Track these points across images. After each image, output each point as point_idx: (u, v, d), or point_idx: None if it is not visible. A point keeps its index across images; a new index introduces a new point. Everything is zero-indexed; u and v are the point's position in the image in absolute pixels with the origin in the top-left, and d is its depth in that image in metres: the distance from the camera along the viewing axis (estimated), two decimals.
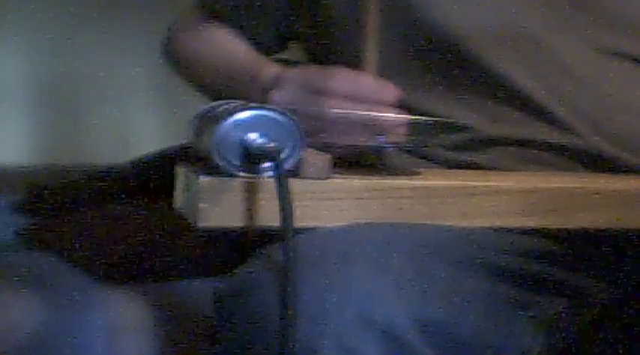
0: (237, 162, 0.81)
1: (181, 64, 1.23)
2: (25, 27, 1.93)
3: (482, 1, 1.05)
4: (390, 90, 0.95)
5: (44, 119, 1.96)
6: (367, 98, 0.94)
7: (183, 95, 1.25)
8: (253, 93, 1.02)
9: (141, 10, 1.90)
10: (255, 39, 1.18)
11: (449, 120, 1.02)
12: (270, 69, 1.05)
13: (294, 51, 1.23)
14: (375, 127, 0.94)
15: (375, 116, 0.94)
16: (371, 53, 0.97)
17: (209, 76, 1.17)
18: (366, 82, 0.95)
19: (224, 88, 1.12)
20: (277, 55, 1.20)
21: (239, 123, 0.81)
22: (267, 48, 1.17)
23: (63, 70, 1.95)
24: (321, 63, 1.11)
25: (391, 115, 0.94)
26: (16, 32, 1.92)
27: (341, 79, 0.95)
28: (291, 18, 1.17)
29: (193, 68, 1.21)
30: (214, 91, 1.15)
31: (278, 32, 1.19)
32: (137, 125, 1.98)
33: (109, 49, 1.93)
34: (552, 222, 0.89)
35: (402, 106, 0.96)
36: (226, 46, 1.18)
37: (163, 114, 1.97)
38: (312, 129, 0.92)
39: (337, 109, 0.94)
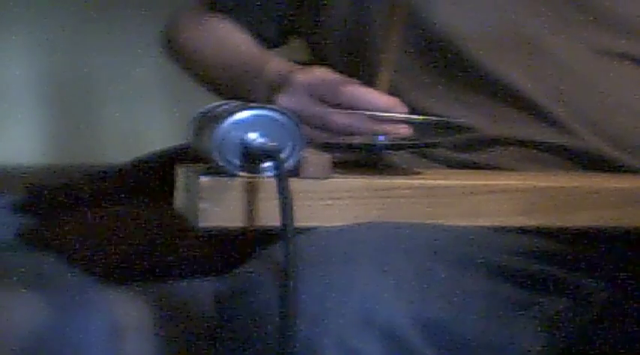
0: (237, 162, 0.81)
1: (184, 58, 1.23)
2: (26, 26, 1.92)
3: (482, 2, 1.05)
4: (398, 109, 0.95)
5: (45, 119, 1.96)
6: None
7: (185, 95, 1.25)
8: (257, 89, 1.02)
9: (142, 10, 1.90)
10: (256, 33, 1.18)
11: (449, 120, 1.02)
12: (274, 64, 1.04)
13: (296, 49, 1.23)
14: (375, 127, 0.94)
15: (376, 115, 0.94)
16: (387, 60, 0.97)
17: (212, 69, 1.16)
18: (375, 99, 0.95)
19: (228, 82, 1.12)
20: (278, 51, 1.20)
21: (239, 123, 0.81)
22: (269, 42, 1.17)
23: (64, 70, 1.95)
24: (321, 59, 1.11)
25: (391, 115, 0.94)
26: (16, 32, 1.92)
27: (351, 94, 0.95)
28: (292, 13, 1.17)
29: (196, 62, 1.20)
30: (218, 85, 1.15)
31: (279, 27, 1.19)
32: (138, 125, 1.98)
33: (110, 48, 1.93)
34: (552, 222, 0.89)
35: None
36: (229, 39, 1.18)
37: (165, 114, 1.97)
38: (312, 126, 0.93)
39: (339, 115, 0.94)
